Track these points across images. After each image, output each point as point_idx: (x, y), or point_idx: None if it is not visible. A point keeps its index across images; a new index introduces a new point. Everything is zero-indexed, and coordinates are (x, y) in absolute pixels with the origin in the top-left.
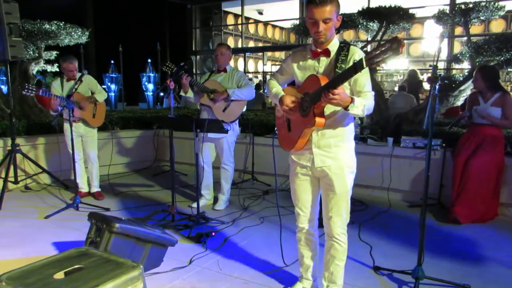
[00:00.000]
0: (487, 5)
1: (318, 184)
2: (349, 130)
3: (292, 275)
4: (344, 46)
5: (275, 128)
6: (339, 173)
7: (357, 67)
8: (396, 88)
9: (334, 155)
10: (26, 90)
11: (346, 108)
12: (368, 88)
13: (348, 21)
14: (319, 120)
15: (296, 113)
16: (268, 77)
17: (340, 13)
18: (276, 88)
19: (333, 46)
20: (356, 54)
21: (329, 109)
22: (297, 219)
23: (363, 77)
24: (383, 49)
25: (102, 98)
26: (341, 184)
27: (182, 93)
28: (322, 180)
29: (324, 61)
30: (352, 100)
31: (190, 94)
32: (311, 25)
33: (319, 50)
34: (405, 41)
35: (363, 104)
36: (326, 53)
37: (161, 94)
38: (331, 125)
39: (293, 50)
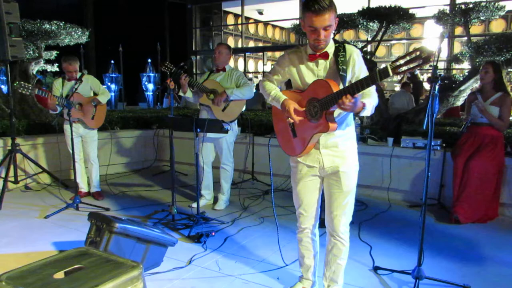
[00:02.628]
0: (487, 5)
1: (322, 183)
2: (353, 129)
3: (292, 275)
4: (340, 46)
5: (274, 132)
6: (347, 172)
7: (381, 75)
8: (396, 88)
9: (342, 154)
10: (22, 88)
11: (357, 113)
12: None
13: (348, 21)
14: (332, 125)
15: (302, 118)
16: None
17: (338, 14)
18: (274, 90)
19: (330, 48)
20: (354, 52)
21: (336, 111)
22: (299, 220)
23: (364, 74)
24: (410, 57)
25: (105, 99)
26: (349, 182)
27: (181, 93)
28: (329, 179)
29: (322, 63)
30: (364, 106)
31: (189, 94)
32: (311, 32)
33: (317, 53)
34: (405, 41)
35: (372, 105)
36: (325, 56)
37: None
38: (337, 125)
39: (286, 52)
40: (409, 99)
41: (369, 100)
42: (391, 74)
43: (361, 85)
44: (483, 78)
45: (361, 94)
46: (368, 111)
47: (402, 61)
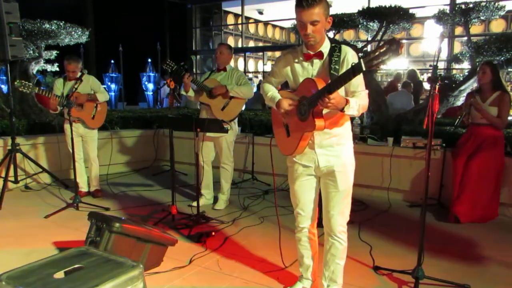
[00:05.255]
0: (487, 5)
1: (319, 183)
2: (349, 128)
3: (292, 275)
4: (336, 47)
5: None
6: (343, 171)
7: (355, 70)
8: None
9: (337, 153)
10: (22, 87)
11: (341, 110)
12: (362, 87)
13: (348, 21)
14: (319, 123)
15: (294, 117)
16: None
17: (330, 14)
18: (271, 91)
19: (325, 47)
20: (349, 53)
21: (327, 110)
22: (297, 219)
23: (357, 77)
24: (381, 50)
25: (103, 98)
26: (345, 182)
27: (183, 92)
28: (325, 179)
29: (317, 63)
30: (347, 102)
31: (191, 93)
32: (300, 27)
33: (311, 52)
34: (405, 41)
35: (358, 104)
36: (319, 55)
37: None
38: (332, 124)
39: (283, 53)
40: (409, 99)
41: (356, 100)
42: (364, 68)
43: (339, 81)
44: (480, 79)
45: (350, 95)
46: (353, 110)
47: (373, 55)
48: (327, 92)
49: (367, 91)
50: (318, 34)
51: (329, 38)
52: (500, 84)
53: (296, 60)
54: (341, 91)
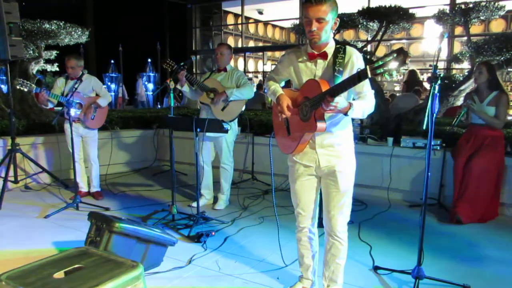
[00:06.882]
0: (487, 5)
1: (319, 183)
2: (350, 129)
3: (292, 274)
4: (340, 48)
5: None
6: (343, 171)
7: (360, 76)
8: (396, 88)
9: (338, 153)
10: (21, 85)
11: (345, 114)
12: (368, 88)
13: (348, 21)
14: (320, 125)
15: (296, 117)
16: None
17: (337, 16)
18: (275, 85)
19: (330, 48)
20: (354, 55)
21: (330, 114)
22: (298, 219)
23: None
24: (388, 59)
25: (105, 102)
26: (346, 182)
27: (178, 86)
28: (326, 179)
29: (321, 63)
30: (350, 106)
31: (186, 88)
32: (306, 24)
33: (316, 52)
34: (405, 41)
35: (362, 107)
36: (324, 56)
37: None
38: (333, 125)
39: (287, 51)
40: (413, 101)
41: (360, 102)
42: (369, 75)
43: (343, 86)
44: (477, 79)
45: (356, 95)
46: (357, 113)
47: (380, 63)
48: (330, 95)
49: (372, 91)
50: (322, 33)
51: (334, 39)
52: (498, 83)
53: (300, 60)
54: (345, 93)
